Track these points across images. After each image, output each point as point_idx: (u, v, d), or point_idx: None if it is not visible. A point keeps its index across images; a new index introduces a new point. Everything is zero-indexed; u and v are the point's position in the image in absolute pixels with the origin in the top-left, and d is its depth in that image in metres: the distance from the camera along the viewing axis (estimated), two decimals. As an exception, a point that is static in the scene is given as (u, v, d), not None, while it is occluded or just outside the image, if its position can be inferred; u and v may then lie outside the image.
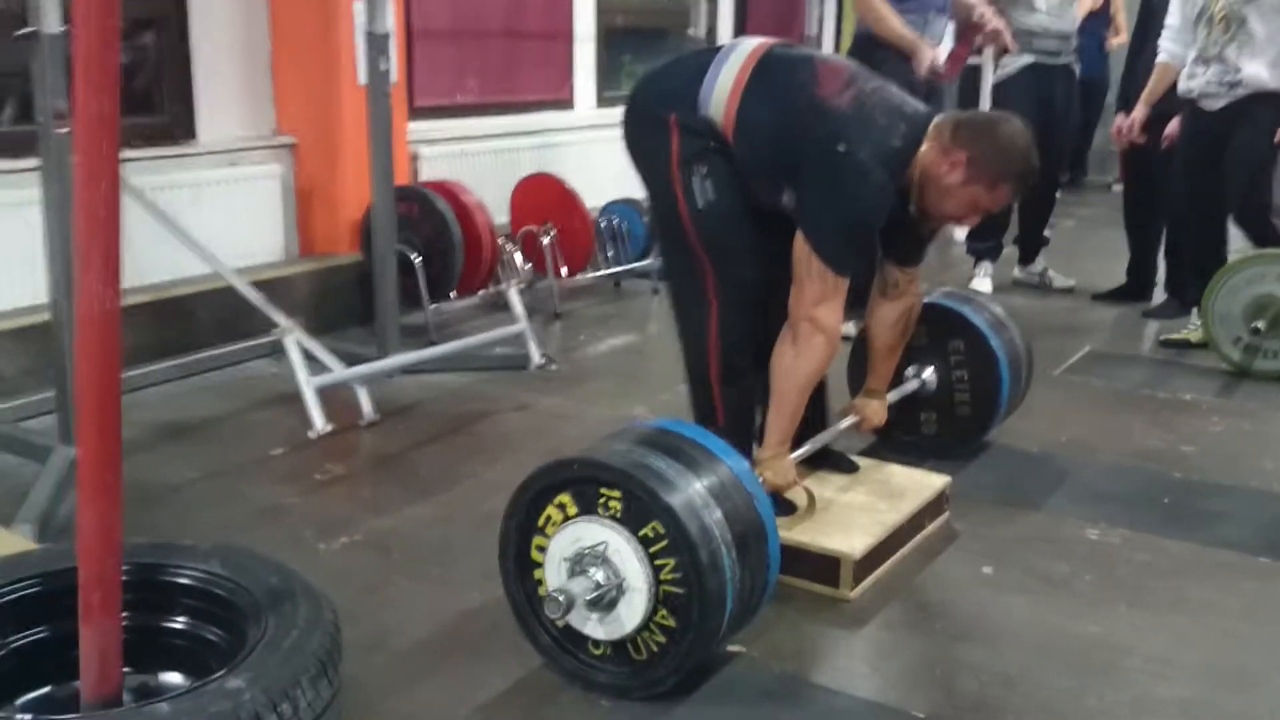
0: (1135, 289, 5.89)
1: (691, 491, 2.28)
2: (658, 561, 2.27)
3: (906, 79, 4.34)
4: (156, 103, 4.80)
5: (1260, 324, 4.58)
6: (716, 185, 2.82)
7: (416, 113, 5.71)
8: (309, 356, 3.93)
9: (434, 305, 5.01)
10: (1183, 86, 4.97)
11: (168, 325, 4.52)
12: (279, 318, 4.03)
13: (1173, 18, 5.06)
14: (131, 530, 2.37)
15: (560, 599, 2.26)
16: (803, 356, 2.75)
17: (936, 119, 2.79)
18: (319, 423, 3.69)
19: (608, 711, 2.32)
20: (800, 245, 2.71)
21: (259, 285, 4.46)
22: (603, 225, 5.87)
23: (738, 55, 2.83)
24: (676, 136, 2.82)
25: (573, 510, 2.36)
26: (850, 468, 3.28)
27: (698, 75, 2.82)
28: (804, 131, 2.72)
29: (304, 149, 5.17)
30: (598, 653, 2.38)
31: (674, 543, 2.24)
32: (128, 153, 4.51)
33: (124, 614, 1.81)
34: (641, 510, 2.27)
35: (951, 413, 3.66)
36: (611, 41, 7.17)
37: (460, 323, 5.27)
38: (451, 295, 5.14)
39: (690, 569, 2.23)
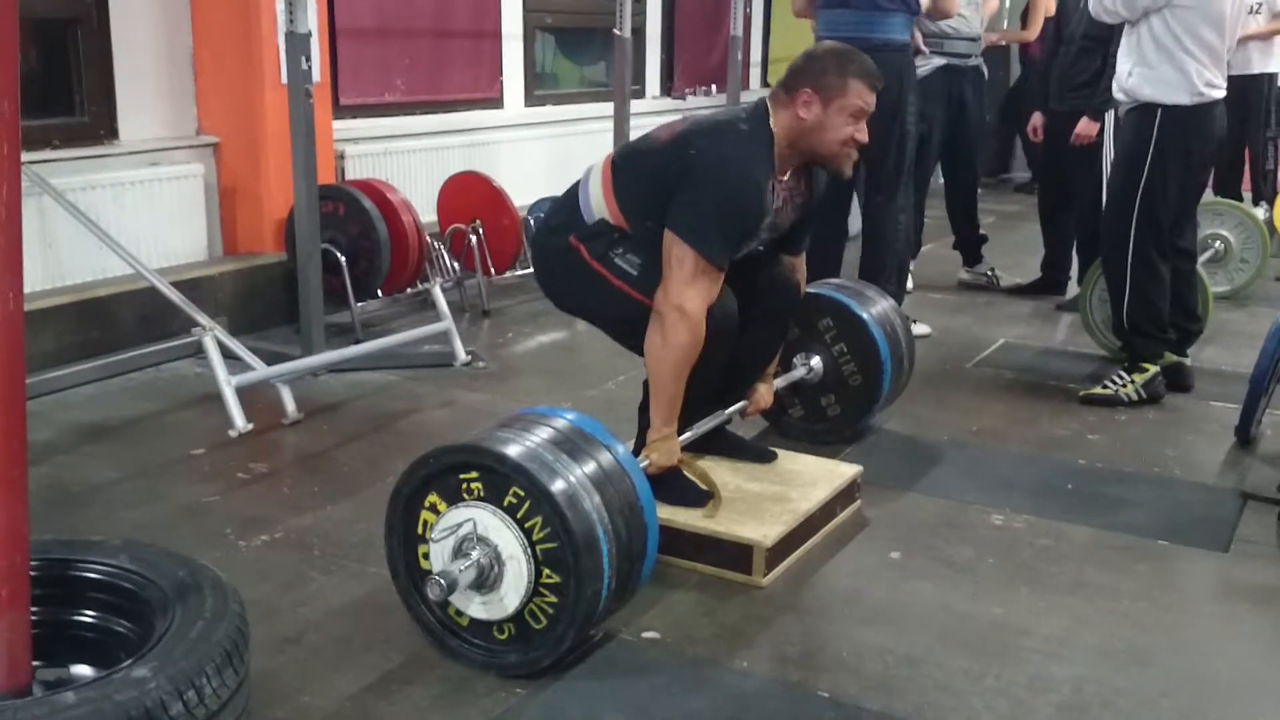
0: (1049, 283, 6.03)
1: (540, 449, 2.37)
2: (526, 524, 2.36)
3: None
4: (77, 102, 4.76)
5: None
6: (639, 254, 2.95)
7: (342, 111, 5.72)
8: (231, 356, 3.93)
9: (360, 304, 5.02)
10: None
11: (91, 326, 4.49)
12: (200, 317, 4.04)
13: None
14: (53, 530, 2.39)
15: (442, 581, 2.33)
16: (669, 345, 2.85)
17: (766, 95, 3.01)
18: (239, 421, 3.69)
19: (523, 698, 2.37)
20: (668, 237, 2.85)
21: (182, 285, 4.47)
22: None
23: (595, 169, 3.07)
24: (582, 247, 2.99)
25: (442, 506, 2.44)
26: (767, 458, 3.37)
27: (573, 201, 3.05)
28: (665, 172, 2.89)
29: (226, 148, 5.16)
30: (503, 637, 2.45)
31: (534, 499, 2.33)
32: (48, 153, 4.51)
33: (34, 609, 1.84)
34: (497, 480, 2.36)
35: (846, 387, 3.78)
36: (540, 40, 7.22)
37: (388, 321, 5.29)
38: (379, 293, 5.16)
39: (554, 518, 2.31)
